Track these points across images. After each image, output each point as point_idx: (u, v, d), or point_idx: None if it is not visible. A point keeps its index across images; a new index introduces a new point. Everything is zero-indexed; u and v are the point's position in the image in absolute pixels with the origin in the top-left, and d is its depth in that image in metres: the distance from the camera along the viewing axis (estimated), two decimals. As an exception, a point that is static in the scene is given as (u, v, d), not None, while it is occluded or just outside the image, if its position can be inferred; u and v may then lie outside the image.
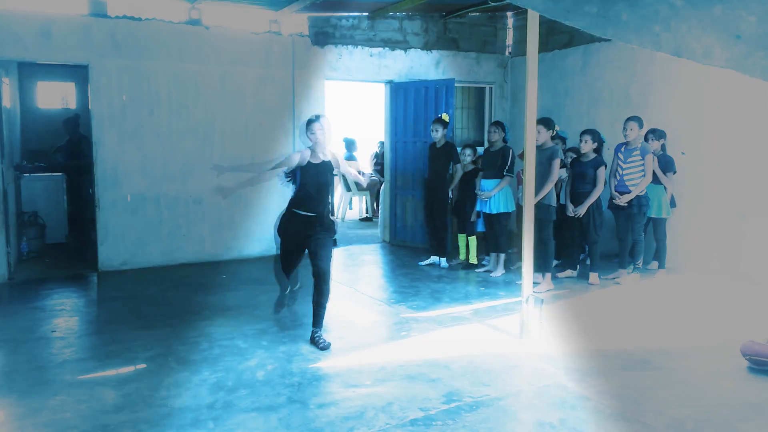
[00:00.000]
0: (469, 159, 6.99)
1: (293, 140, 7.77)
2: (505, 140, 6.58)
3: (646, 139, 6.37)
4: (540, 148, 5.86)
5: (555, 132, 6.32)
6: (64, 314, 5.36)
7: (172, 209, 7.16)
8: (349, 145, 11.22)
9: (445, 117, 7.10)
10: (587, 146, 6.20)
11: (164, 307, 5.55)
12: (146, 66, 6.90)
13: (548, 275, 6.10)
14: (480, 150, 7.46)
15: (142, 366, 4.10)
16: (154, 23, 6.94)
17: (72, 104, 10.23)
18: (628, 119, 6.13)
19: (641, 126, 6.10)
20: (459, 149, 7.18)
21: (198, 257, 7.30)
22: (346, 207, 11.37)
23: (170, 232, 7.17)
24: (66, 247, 8.06)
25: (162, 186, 7.07)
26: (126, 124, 6.85)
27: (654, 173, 6.31)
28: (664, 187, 6.51)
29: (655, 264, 6.77)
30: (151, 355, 4.28)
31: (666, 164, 6.52)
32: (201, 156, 7.23)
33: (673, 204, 6.66)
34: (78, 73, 8.93)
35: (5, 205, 6.49)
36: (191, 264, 7.20)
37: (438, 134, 7.01)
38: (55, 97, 10.23)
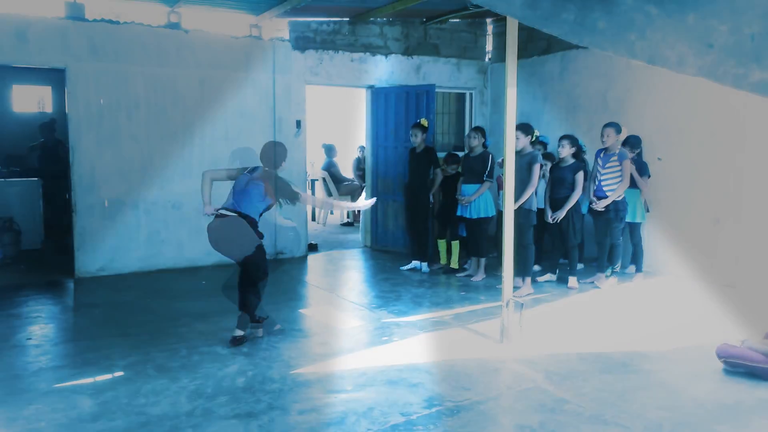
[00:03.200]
0: (452, 171, 7.01)
1: (274, 145, 7.73)
2: (485, 145, 6.63)
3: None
4: (519, 154, 5.90)
5: (535, 137, 6.39)
6: (40, 321, 5.27)
7: (150, 214, 7.09)
8: (329, 150, 11.20)
9: (424, 122, 7.13)
10: (565, 151, 6.27)
11: (142, 313, 5.48)
12: (124, 70, 6.83)
13: (528, 279, 6.15)
14: (459, 155, 7.49)
15: (120, 373, 4.04)
16: (132, 27, 6.87)
17: (48, 108, 10.09)
18: (606, 125, 6.21)
19: (618, 132, 6.18)
20: (441, 155, 7.21)
21: (177, 263, 7.22)
22: (327, 212, 11.35)
23: (148, 238, 7.09)
24: (42, 253, 7.93)
25: (140, 191, 7.00)
26: (103, 128, 6.77)
27: (632, 178, 6.43)
28: (640, 192, 6.61)
29: (632, 268, 6.85)
30: (128, 363, 4.22)
31: (640, 169, 6.62)
32: (180, 160, 7.16)
33: (646, 208, 6.77)
34: (55, 77, 8.81)
35: (-21, 211, 6.38)
36: (170, 270, 7.13)
37: (417, 139, 7.03)
38: (31, 100, 10.10)
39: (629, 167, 6.17)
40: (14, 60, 6.55)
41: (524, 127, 6.05)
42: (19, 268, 7.20)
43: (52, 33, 6.48)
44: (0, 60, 6.45)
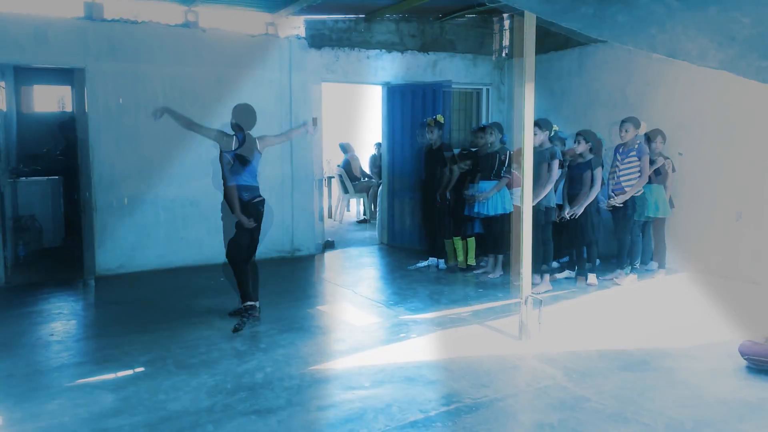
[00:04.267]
0: (465, 168, 6.96)
1: (290, 142, 7.76)
2: (502, 141, 6.59)
3: (649, 140, 6.38)
4: (536, 150, 5.86)
5: (554, 133, 6.33)
6: (62, 318, 5.35)
7: (169, 212, 7.15)
8: (344, 149, 11.25)
9: (440, 118, 7.09)
10: (581, 147, 6.21)
11: (162, 310, 5.54)
12: (142, 69, 6.89)
13: (546, 276, 6.11)
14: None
15: (141, 369, 4.09)
16: (150, 26, 6.93)
17: (68, 107, 10.21)
18: (624, 120, 6.15)
19: (637, 127, 6.11)
20: (456, 150, 7.17)
21: (195, 260, 7.28)
22: (344, 209, 11.37)
23: (167, 235, 7.15)
24: (62, 251, 8.04)
25: (159, 189, 7.06)
26: (122, 126, 6.84)
27: (662, 173, 6.36)
28: (664, 187, 6.53)
29: (654, 264, 6.78)
30: (149, 359, 4.27)
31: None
32: (198, 158, 7.21)
33: (671, 204, 6.68)
34: (74, 77, 8.91)
35: (1, 209, 6.47)
36: (189, 267, 7.19)
37: (433, 136, 7.01)
38: (51, 100, 10.22)
39: (648, 163, 6.10)
40: (34, 60, 6.65)
41: (543, 123, 6.00)
42: (40, 265, 7.31)
43: (71, 33, 6.56)
44: (20, 60, 6.56)
